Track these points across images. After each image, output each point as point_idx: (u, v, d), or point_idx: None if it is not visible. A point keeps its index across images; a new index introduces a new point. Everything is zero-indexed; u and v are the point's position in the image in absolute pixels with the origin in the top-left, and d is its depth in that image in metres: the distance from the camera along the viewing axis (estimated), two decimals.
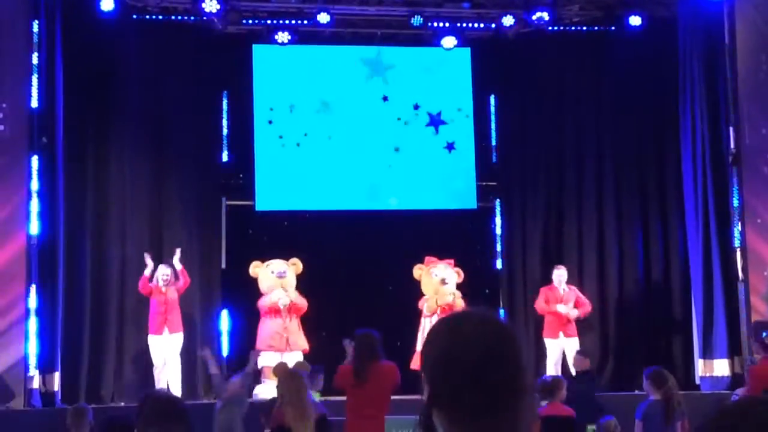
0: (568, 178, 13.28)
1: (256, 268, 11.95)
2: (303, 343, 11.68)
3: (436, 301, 11.58)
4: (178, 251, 11.63)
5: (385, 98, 13.26)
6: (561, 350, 11.69)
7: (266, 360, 11.12)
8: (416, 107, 13.32)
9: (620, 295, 13.02)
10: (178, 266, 11.51)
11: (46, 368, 10.85)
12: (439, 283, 11.73)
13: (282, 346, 11.46)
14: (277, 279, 11.82)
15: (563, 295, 11.85)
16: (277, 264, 11.98)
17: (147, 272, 11.43)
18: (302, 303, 11.81)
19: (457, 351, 1.73)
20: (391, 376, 7.06)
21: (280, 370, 6.68)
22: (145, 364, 11.76)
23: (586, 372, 10.57)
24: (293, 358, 11.10)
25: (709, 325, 11.99)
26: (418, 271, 11.94)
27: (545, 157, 13.36)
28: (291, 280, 11.93)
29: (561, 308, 11.71)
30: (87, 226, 12.00)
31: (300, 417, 6.37)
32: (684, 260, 12.70)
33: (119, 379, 11.92)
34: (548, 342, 11.83)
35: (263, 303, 11.78)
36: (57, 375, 10.98)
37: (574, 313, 11.78)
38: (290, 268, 11.94)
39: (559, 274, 12.00)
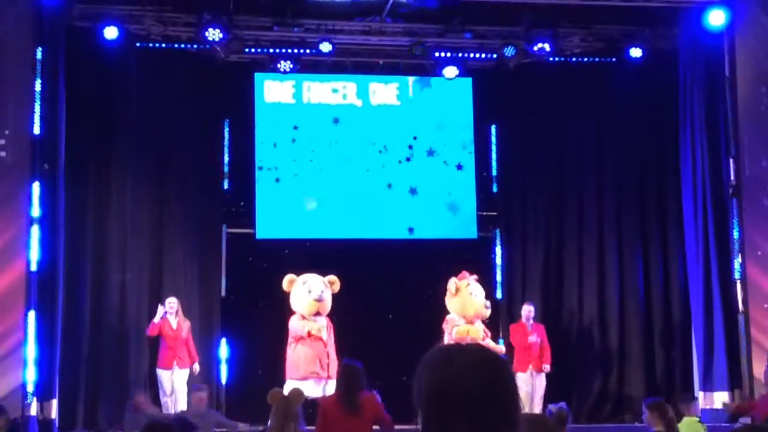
0: (569, 208, 13.28)
1: (291, 284, 11.05)
2: None
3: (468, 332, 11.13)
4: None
5: (387, 126, 13.28)
6: (531, 384, 11.54)
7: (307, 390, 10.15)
8: (417, 137, 13.33)
9: (620, 325, 12.97)
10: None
11: (44, 395, 10.79)
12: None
13: (323, 373, 10.68)
14: (314, 303, 10.94)
15: (529, 331, 11.75)
16: (314, 282, 11.03)
17: (157, 319, 11.36)
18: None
19: (452, 384, 1.72)
20: (375, 406, 7.04)
21: (275, 398, 6.66)
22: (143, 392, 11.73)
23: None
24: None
25: (710, 357, 11.93)
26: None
27: (546, 187, 13.37)
28: (328, 305, 11.09)
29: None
30: (87, 252, 11.98)
31: None
32: (684, 292, 12.68)
33: (117, 406, 11.82)
34: (518, 376, 11.64)
35: (296, 328, 10.87)
36: (55, 402, 10.93)
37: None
38: (327, 290, 11.09)
39: (528, 309, 11.93)
